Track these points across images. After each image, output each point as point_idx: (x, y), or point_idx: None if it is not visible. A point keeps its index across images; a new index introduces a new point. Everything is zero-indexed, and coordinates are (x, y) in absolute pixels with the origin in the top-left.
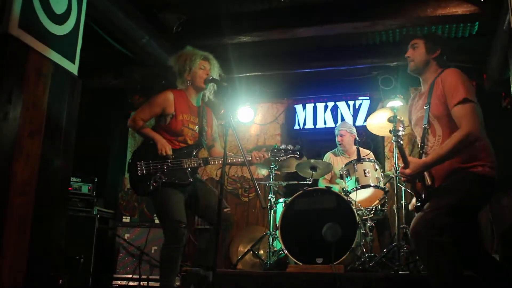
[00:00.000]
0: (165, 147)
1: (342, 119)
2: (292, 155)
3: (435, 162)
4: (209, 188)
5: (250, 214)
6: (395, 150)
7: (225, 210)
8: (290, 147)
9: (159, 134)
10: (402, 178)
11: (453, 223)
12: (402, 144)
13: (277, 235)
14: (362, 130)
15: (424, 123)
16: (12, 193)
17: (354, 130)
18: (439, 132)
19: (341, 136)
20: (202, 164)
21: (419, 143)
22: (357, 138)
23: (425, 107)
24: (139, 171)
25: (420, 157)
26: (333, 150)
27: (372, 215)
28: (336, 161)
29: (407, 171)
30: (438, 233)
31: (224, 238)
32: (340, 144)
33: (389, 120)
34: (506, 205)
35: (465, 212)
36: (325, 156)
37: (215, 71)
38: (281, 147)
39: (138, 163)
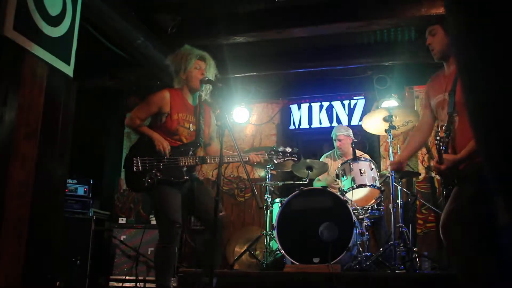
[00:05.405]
0: (163, 143)
1: (338, 118)
2: (290, 157)
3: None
4: (206, 189)
5: (246, 214)
6: (391, 149)
7: (220, 214)
8: (288, 149)
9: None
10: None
11: None
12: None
13: (274, 235)
14: (358, 130)
15: (449, 110)
16: (8, 195)
17: (351, 131)
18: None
19: (340, 141)
20: (199, 163)
21: (442, 130)
22: (354, 139)
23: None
24: (134, 167)
25: (446, 144)
26: (328, 154)
27: (369, 214)
28: (331, 164)
29: (442, 167)
30: None
31: (218, 241)
32: (339, 149)
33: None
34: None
35: None
36: (321, 159)
37: (211, 71)
38: (279, 149)
39: (134, 159)
